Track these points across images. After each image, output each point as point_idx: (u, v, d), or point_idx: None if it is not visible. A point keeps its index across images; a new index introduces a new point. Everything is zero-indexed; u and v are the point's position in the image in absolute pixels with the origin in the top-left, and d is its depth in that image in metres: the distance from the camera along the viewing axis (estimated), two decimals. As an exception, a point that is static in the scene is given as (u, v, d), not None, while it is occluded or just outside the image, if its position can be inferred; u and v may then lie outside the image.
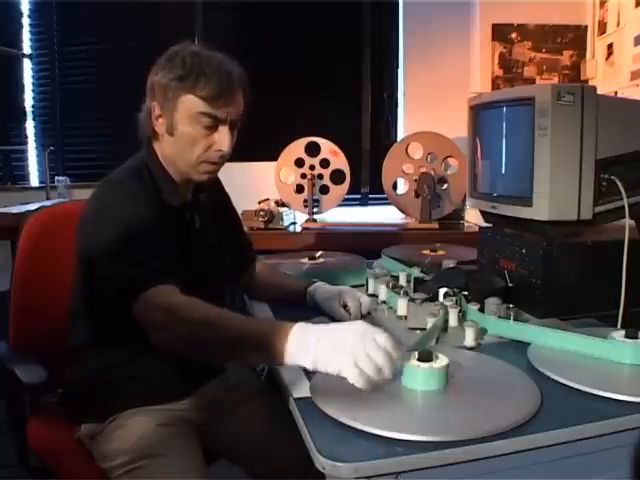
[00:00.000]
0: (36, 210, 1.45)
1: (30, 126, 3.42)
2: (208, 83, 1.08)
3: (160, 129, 1.14)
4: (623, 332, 0.99)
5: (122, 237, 1.03)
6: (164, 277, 1.00)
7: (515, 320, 1.09)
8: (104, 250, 1.04)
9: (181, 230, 1.19)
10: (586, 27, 2.96)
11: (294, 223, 2.78)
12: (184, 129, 1.12)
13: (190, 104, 1.10)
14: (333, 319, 1.21)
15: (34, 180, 3.43)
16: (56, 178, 3.13)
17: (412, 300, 1.25)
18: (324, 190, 2.82)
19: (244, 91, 1.15)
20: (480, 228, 1.50)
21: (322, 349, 0.81)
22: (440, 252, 1.81)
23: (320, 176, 2.79)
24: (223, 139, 1.12)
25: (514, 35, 2.97)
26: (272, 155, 2.84)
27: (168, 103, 1.11)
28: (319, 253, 1.80)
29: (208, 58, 1.11)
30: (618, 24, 2.67)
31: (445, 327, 1.15)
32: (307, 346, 0.82)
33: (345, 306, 1.23)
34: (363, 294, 1.27)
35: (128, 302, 0.99)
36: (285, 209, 2.72)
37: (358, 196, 3.29)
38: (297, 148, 2.80)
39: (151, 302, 0.97)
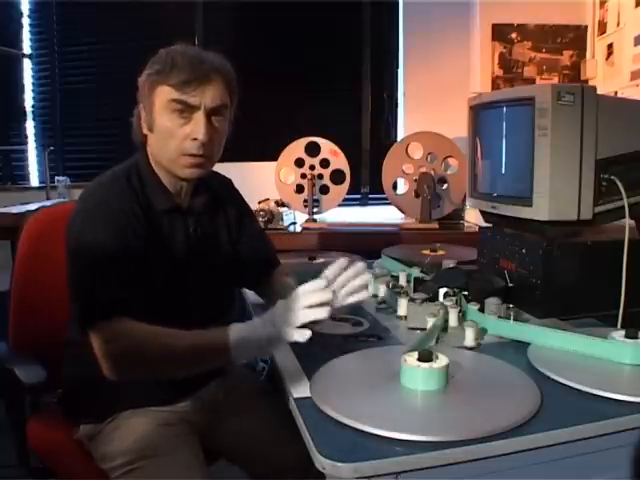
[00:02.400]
0: (36, 210, 1.45)
1: (30, 126, 3.42)
2: (178, 71, 1.08)
3: (145, 129, 1.14)
4: (623, 332, 0.99)
5: (85, 258, 1.07)
6: (115, 308, 1.02)
7: (515, 320, 1.09)
8: (70, 266, 1.09)
9: (167, 235, 1.16)
10: (586, 27, 2.96)
11: (294, 223, 2.78)
12: (161, 121, 1.11)
13: (163, 94, 1.10)
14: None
15: (34, 180, 3.43)
16: (56, 178, 3.13)
17: (412, 300, 1.25)
18: (324, 190, 2.82)
19: (224, 79, 1.13)
20: (480, 228, 1.50)
21: (257, 345, 0.96)
22: (440, 252, 1.81)
23: (320, 176, 2.79)
24: (198, 127, 1.09)
25: (514, 35, 2.97)
26: (272, 155, 2.84)
27: (147, 99, 1.12)
28: (319, 253, 1.80)
29: (184, 51, 1.11)
30: (618, 24, 2.67)
31: (445, 327, 1.15)
32: (247, 349, 0.98)
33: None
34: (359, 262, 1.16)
35: (86, 331, 1.04)
36: (285, 209, 2.72)
37: (358, 196, 3.29)
38: (297, 148, 2.79)
39: (103, 338, 1.02)
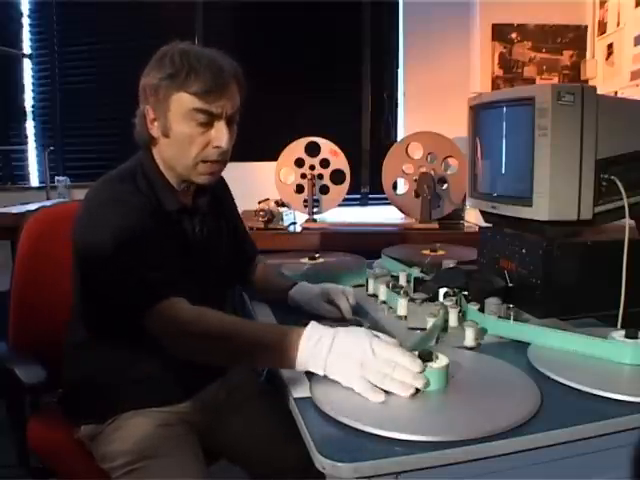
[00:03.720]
0: (36, 210, 1.45)
1: (30, 126, 3.42)
2: (199, 78, 1.06)
3: (156, 132, 1.13)
4: (623, 332, 0.99)
5: (118, 248, 1.02)
6: (169, 290, 1.00)
7: (515, 320, 1.09)
8: (103, 261, 1.03)
9: (178, 235, 1.17)
10: (586, 27, 2.97)
11: (294, 223, 2.78)
12: (179, 128, 1.09)
13: (183, 102, 1.08)
14: (318, 318, 1.20)
15: (34, 180, 3.43)
16: (56, 178, 3.13)
17: (412, 300, 1.25)
18: (324, 190, 2.82)
19: (238, 84, 1.13)
20: (480, 228, 1.50)
21: (332, 360, 0.85)
22: (440, 252, 1.81)
23: (320, 176, 2.79)
24: (220, 135, 1.10)
25: (514, 35, 2.97)
26: (272, 155, 2.84)
27: (160, 104, 1.10)
28: (319, 253, 1.80)
29: (197, 54, 1.09)
30: (618, 24, 2.67)
31: (445, 327, 1.14)
32: (318, 356, 0.86)
33: (331, 302, 1.22)
34: (346, 287, 1.27)
35: (135, 317, 0.99)
36: (285, 209, 2.72)
37: (358, 196, 3.29)
38: (297, 148, 2.80)
39: (159, 318, 0.98)
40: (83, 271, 1.12)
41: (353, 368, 0.83)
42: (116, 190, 1.09)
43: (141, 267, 1.02)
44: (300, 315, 1.22)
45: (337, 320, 1.17)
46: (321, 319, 1.07)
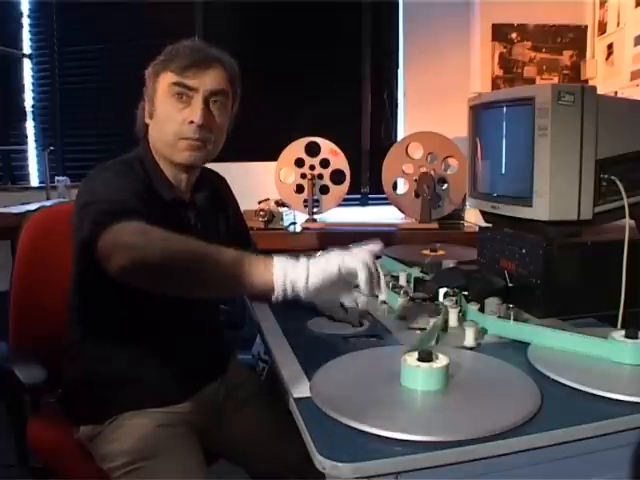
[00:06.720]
0: (36, 210, 1.45)
1: (30, 126, 3.41)
2: (180, 58, 1.12)
3: (147, 118, 1.17)
4: (623, 332, 0.99)
5: (103, 191, 1.03)
6: (137, 216, 0.95)
7: (515, 320, 1.09)
8: (83, 201, 1.03)
9: (172, 225, 1.17)
10: (586, 27, 2.96)
11: (294, 223, 2.77)
12: (161, 107, 1.14)
13: (165, 79, 1.13)
14: (332, 319, 1.21)
15: (34, 180, 3.43)
16: (56, 178, 3.13)
17: (412, 300, 1.25)
18: (324, 190, 2.82)
19: (224, 68, 1.16)
20: (480, 228, 1.50)
21: (315, 262, 0.87)
22: (440, 252, 1.81)
23: (320, 176, 2.78)
24: (195, 109, 1.12)
25: (514, 35, 2.97)
26: (272, 155, 2.84)
27: (151, 88, 1.16)
28: (319, 253, 1.79)
29: (188, 43, 1.16)
30: (618, 24, 2.67)
31: (445, 327, 1.15)
32: (297, 262, 0.87)
33: (342, 305, 1.22)
34: (360, 293, 1.27)
35: (98, 234, 0.93)
36: (285, 209, 2.71)
37: (358, 196, 3.29)
38: (297, 148, 2.79)
39: (120, 230, 0.92)
40: (77, 249, 1.11)
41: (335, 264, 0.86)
42: (115, 170, 1.12)
43: (116, 201, 1.00)
44: (301, 316, 1.22)
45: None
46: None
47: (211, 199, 1.27)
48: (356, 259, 0.89)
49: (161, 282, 0.91)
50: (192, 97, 1.12)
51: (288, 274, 0.85)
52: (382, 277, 0.93)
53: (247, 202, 2.24)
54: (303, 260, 0.88)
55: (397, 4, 3.20)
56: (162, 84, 1.14)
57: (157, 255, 0.88)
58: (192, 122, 1.12)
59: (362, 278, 0.88)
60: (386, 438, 0.73)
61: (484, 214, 1.47)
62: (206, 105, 1.13)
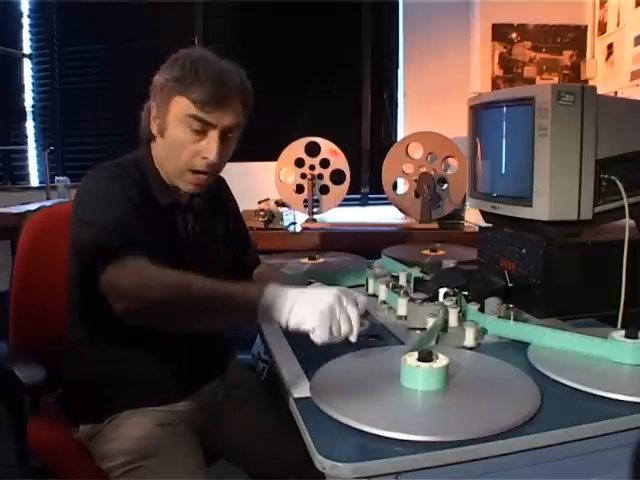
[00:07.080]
0: (36, 210, 1.45)
1: (30, 126, 3.42)
2: (200, 86, 1.07)
3: (155, 130, 1.14)
4: (623, 332, 0.99)
5: (100, 207, 1.04)
6: (135, 248, 0.98)
7: (515, 320, 1.09)
8: (81, 212, 1.06)
9: (169, 229, 1.17)
10: (586, 27, 2.96)
11: (294, 223, 2.78)
12: (174, 132, 1.10)
13: (181, 106, 1.09)
14: None
15: (34, 180, 3.43)
16: (56, 178, 3.13)
17: (412, 300, 1.25)
18: (324, 190, 2.82)
19: (243, 101, 1.13)
20: (480, 228, 1.50)
21: (298, 307, 0.86)
22: (440, 252, 1.81)
23: (320, 176, 2.79)
24: (211, 146, 1.10)
25: (514, 35, 2.97)
26: (272, 155, 2.84)
27: (162, 104, 1.11)
28: (319, 253, 1.80)
29: (208, 63, 1.09)
30: (618, 24, 2.67)
31: (445, 327, 1.15)
32: (282, 302, 0.87)
33: None
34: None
35: (98, 270, 0.96)
36: (285, 209, 2.71)
37: (358, 196, 3.29)
38: (297, 148, 2.79)
39: (119, 270, 0.95)
40: (74, 253, 1.12)
41: (321, 316, 0.85)
42: (110, 173, 1.12)
43: (114, 225, 1.01)
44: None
45: None
46: None
47: (210, 201, 1.26)
48: (315, 317, 0.86)
49: (163, 322, 0.96)
50: (208, 130, 1.10)
51: (269, 315, 0.88)
52: (354, 316, 0.89)
53: (247, 202, 2.25)
54: (288, 305, 0.87)
55: (397, 4, 3.20)
56: (177, 109, 1.09)
57: (156, 299, 0.92)
58: (205, 158, 1.10)
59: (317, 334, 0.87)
60: (386, 438, 0.73)
61: (484, 214, 1.47)
62: (221, 140, 1.11)
